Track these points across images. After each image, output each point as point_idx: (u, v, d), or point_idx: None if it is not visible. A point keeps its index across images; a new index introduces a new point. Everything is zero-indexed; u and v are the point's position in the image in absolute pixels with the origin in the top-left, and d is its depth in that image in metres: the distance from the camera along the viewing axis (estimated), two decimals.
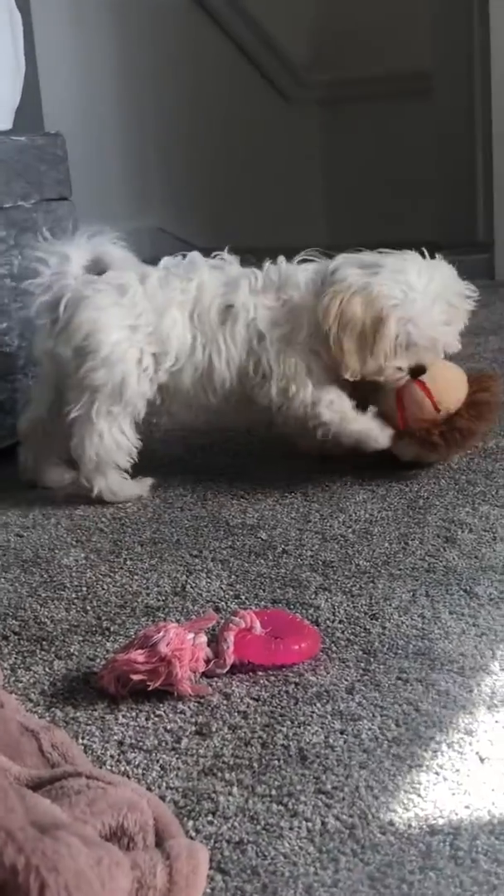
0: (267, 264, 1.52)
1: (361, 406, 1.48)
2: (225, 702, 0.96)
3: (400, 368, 1.45)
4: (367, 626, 1.07)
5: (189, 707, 0.95)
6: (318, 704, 0.94)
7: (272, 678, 0.99)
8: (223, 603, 1.16)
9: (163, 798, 0.82)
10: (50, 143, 1.86)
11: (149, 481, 1.52)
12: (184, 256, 1.53)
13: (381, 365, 1.43)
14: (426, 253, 1.51)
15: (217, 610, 1.14)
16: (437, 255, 1.51)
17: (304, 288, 1.47)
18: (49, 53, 3.42)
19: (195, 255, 1.53)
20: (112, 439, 1.45)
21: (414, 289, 1.42)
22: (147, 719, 0.94)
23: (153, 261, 1.57)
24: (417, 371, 1.46)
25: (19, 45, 1.88)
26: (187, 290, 1.48)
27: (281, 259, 1.52)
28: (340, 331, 1.41)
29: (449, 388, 1.48)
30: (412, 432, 1.46)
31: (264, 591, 1.18)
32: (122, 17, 3.73)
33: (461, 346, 1.53)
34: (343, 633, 1.06)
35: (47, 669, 1.04)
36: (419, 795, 0.80)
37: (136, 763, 0.87)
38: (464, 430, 1.44)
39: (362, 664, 1.00)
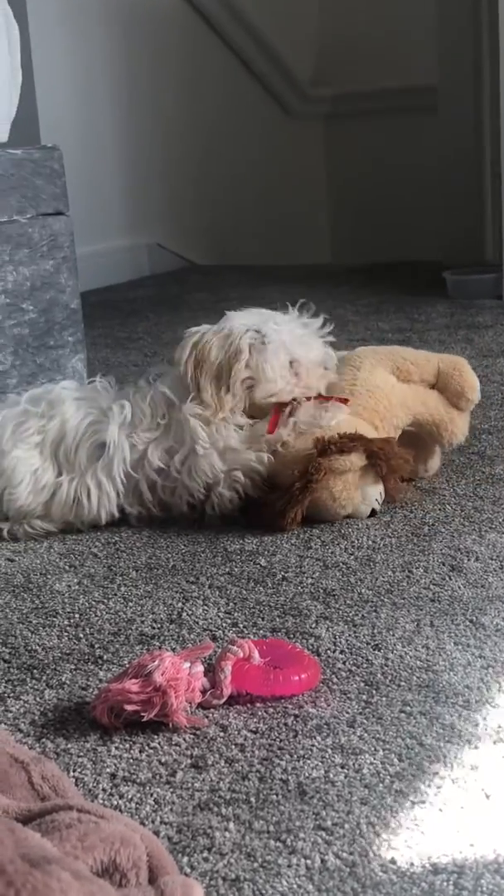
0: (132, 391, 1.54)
1: None
2: (222, 734, 0.95)
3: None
4: (370, 657, 1.07)
5: (184, 739, 0.95)
6: (319, 737, 0.93)
7: (271, 710, 0.98)
8: (220, 631, 1.16)
9: (157, 833, 0.81)
10: (47, 156, 1.87)
11: None
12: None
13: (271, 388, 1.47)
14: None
15: (214, 638, 1.13)
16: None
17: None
18: (46, 65, 3.44)
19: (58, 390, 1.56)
20: None
21: (276, 321, 1.50)
22: (141, 751, 0.93)
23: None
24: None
25: (16, 56, 1.89)
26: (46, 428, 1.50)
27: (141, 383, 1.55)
28: (197, 371, 1.46)
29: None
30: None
31: (263, 619, 1.18)
32: (122, 28, 3.76)
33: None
34: (344, 663, 1.06)
35: (38, 699, 1.04)
36: (422, 833, 0.80)
37: (130, 797, 0.87)
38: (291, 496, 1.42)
39: (364, 696, 1.00)
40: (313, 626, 1.15)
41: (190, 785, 0.88)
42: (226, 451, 1.46)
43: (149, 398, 1.50)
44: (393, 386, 1.52)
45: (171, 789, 0.87)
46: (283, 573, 1.30)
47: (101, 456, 1.47)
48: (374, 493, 1.45)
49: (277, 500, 1.41)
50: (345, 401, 1.47)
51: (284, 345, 1.47)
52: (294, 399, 1.48)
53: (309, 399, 1.48)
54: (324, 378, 1.52)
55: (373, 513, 1.46)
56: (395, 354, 1.58)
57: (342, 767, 0.89)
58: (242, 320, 1.50)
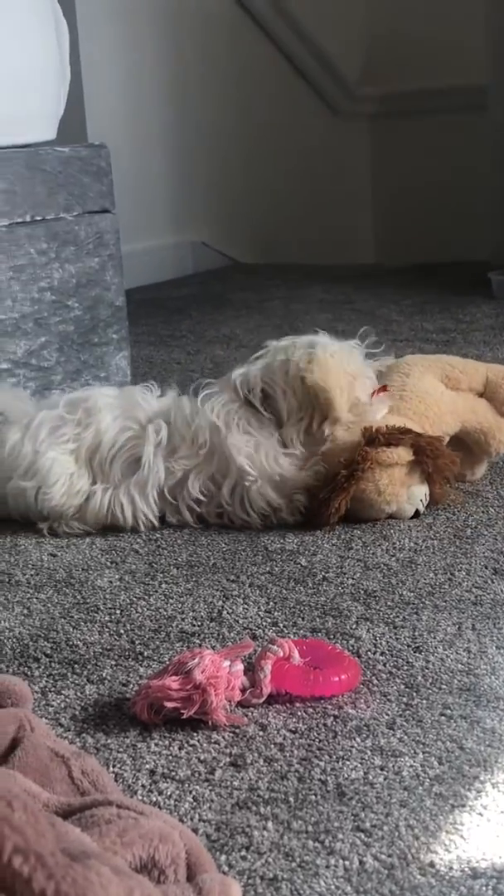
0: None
1: None
2: (261, 733, 0.95)
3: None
4: (410, 660, 1.07)
5: (224, 737, 0.95)
6: (358, 739, 0.93)
7: (310, 710, 0.98)
8: (260, 630, 1.16)
9: (195, 830, 0.82)
10: (94, 154, 1.88)
11: None
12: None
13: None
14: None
15: (254, 637, 1.14)
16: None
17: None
18: (95, 63, 3.46)
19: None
20: None
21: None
22: (180, 748, 0.94)
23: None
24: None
25: (65, 54, 1.90)
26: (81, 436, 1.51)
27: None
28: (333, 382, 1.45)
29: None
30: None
31: (303, 619, 1.18)
32: (170, 26, 3.77)
33: None
34: (385, 665, 1.06)
35: (79, 694, 1.04)
36: (462, 837, 0.79)
37: (169, 793, 0.87)
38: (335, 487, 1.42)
39: (404, 698, 0.99)
40: (354, 627, 1.15)
41: (229, 783, 0.88)
42: (283, 480, 1.45)
43: (194, 425, 1.47)
44: (442, 393, 1.52)
45: (210, 787, 0.88)
46: (323, 573, 1.30)
47: (135, 472, 1.47)
48: (420, 493, 1.44)
49: (321, 489, 1.41)
50: (384, 388, 1.47)
51: (370, 380, 1.49)
52: None
53: None
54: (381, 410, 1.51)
55: (416, 514, 1.45)
56: (443, 362, 1.57)
57: (381, 769, 0.88)
58: (336, 344, 1.50)
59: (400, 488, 1.43)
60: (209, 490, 1.46)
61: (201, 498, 1.46)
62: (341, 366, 1.46)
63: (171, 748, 0.94)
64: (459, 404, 1.53)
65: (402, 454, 1.40)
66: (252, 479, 1.44)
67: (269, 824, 0.82)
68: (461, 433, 1.53)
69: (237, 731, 0.96)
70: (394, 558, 1.34)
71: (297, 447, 1.46)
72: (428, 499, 1.46)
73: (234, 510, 1.46)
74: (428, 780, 0.87)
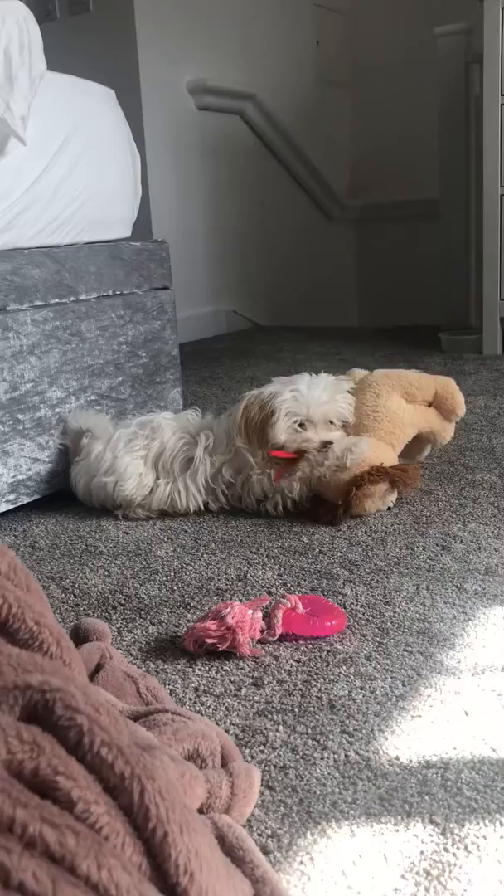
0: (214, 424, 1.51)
1: None
2: (274, 662, 0.96)
3: (307, 440, 1.42)
4: (382, 611, 1.07)
5: (247, 665, 0.96)
6: (344, 667, 0.94)
7: (310, 646, 0.99)
8: (274, 588, 1.16)
9: (227, 731, 0.82)
10: (157, 247, 1.89)
11: None
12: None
13: (277, 438, 1.41)
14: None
15: (269, 593, 1.14)
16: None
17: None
18: (157, 182, 3.49)
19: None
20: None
21: (300, 388, 1.43)
22: (216, 672, 0.94)
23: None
24: (324, 444, 1.43)
25: (137, 176, 1.91)
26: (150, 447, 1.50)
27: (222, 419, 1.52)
28: (246, 424, 1.42)
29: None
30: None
31: (305, 581, 1.18)
32: (211, 154, 3.80)
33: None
34: (363, 615, 1.06)
35: (144, 633, 1.05)
36: (418, 738, 0.79)
37: (208, 705, 0.88)
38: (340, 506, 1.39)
39: (378, 639, 1.00)
40: (341, 587, 1.15)
41: (251, 698, 0.89)
42: (270, 480, 1.44)
43: (222, 430, 1.49)
44: (404, 409, 1.49)
45: (238, 700, 0.88)
46: (319, 548, 1.30)
47: (189, 467, 1.48)
48: (391, 497, 1.44)
49: (326, 513, 1.40)
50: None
51: (291, 409, 1.42)
52: (303, 453, 1.42)
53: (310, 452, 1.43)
54: (330, 430, 1.45)
55: (388, 508, 1.45)
56: (403, 380, 1.53)
57: (361, 689, 0.89)
58: (272, 388, 1.45)
59: (379, 502, 1.42)
60: (234, 478, 1.47)
61: (231, 481, 1.47)
62: (254, 411, 1.42)
63: (210, 672, 0.94)
64: (416, 417, 1.51)
65: (381, 486, 1.39)
66: (256, 472, 1.44)
67: (280, 728, 0.83)
68: (417, 435, 1.53)
69: (257, 660, 0.96)
70: (370, 537, 1.33)
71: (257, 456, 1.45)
72: (396, 499, 1.45)
73: (242, 495, 1.47)
74: (394, 697, 0.87)
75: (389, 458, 1.42)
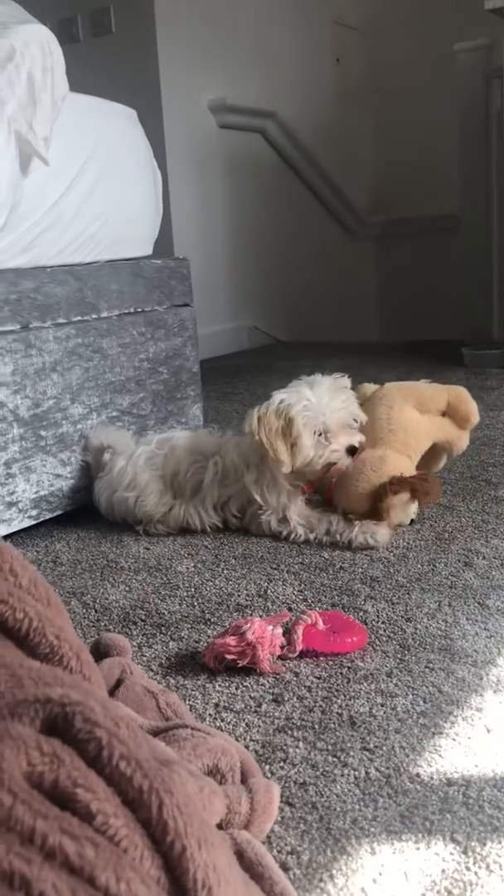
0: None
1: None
2: (294, 678, 0.96)
3: (335, 451, 1.40)
4: (403, 627, 1.07)
5: (268, 681, 0.96)
6: (365, 683, 0.93)
7: (330, 662, 0.99)
8: (294, 604, 1.16)
9: (247, 747, 0.82)
10: (179, 265, 1.91)
11: None
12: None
13: (307, 454, 1.38)
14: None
15: (290, 609, 1.14)
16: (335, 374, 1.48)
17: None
18: (179, 200, 3.52)
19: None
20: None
21: (308, 397, 1.40)
22: (236, 688, 0.94)
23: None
24: (351, 450, 1.42)
25: (159, 195, 1.94)
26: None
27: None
28: (268, 435, 1.38)
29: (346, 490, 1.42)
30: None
31: (326, 597, 1.18)
32: (232, 171, 3.83)
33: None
34: (384, 631, 1.06)
35: (164, 648, 1.06)
36: (440, 755, 0.79)
37: (228, 720, 0.88)
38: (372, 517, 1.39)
39: (399, 655, 0.99)
40: (362, 603, 1.15)
41: (271, 714, 0.89)
42: (284, 516, 1.42)
43: (229, 461, 1.47)
44: (419, 422, 1.48)
45: (258, 717, 0.88)
46: (340, 564, 1.30)
47: (199, 492, 1.48)
48: (412, 509, 1.43)
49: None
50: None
51: (308, 418, 1.38)
52: (331, 464, 1.41)
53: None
54: (351, 435, 1.42)
55: (411, 522, 1.44)
56: (415, 391, 1.52)
57: (382, 706, 0.88)
58: (280, 397, 1.41)
59: (402, 513, 1.41)
60: (241, 512, 1.47)
61: (238, 514, 1.47)
62: (272, 421, 1.37)
63: (230, 688, 0.94)
64: (431, 427, 1.50)
65: (404, 495, 1.38)
66: (263, 511, 1.43)
67: (300, 744, 0.83)
68: (433, 446, 1.51)
69: (277, 676, 0.96)
70: (392, 553, 1.33)
71: (283, 479, 1.42)
72: (417, 510, 1.45)
73: (250, 527, 1.47)
74: (416, 714, 0.86)
75: (407, 468, 1.42)
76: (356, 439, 1.43)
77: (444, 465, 1.62)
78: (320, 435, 1.40)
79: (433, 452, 1.54)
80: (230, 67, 3.73)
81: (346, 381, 1.47)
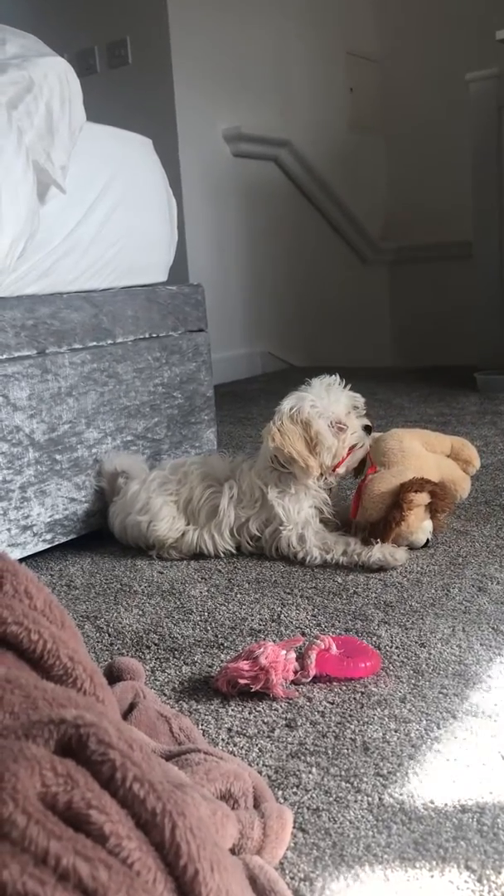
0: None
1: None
2: (308, 703, 0.95)
3: (353, 433, 1.44)
4: (417, 652, 1.06)
5: (281, 706, 0.95)
6: (379, 709, 0.93)
7: (344, 688, 0.98)
8: (308, 629, 1.16)
9: (260, 772, 0.82)
10: (193, 291, 1.93)
11: None
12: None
13: (331, 445, 1.41)
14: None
15: (303, 634, 1.14)
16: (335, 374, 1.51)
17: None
18: (193, 228, 3.56)
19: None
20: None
21: (310, 397, 1.44)
22: (250, 713, 0.94)
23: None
24: (367, 428, 1.46)
25: (174, 222, 1.96)
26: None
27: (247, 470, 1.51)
28: (294, 446, 1.40)
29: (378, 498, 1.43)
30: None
31: (339, 621, 1.18)
32: (246, 200, 3.87)
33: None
34: (398, 656, 1.06)
35: (177, 672, 1.06)
36: (453, 782, 0.79)
37: (241, 745, 0.88)
38: (388, 523, 1.40)
39: (413, 680, 0.99)
40: (376, 628, 1.15)
41: (284, 739, 0.88)
42: (303, 535, 1.43)
43: (245, 483, 1.48)
44: (428, 456, 1.51)
45: (271, 742, 0.88)
46: (354, 588, 1.30)
47: (215, 516, 1.49)
48: (429, 527, 1.44)
49: (376, 527, 1.41)
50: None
51: (320, 413, 1.42)
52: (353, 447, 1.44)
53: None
54: (358, 417, 1.46)
55: (426, 544, 1.44)
56: (421, 433, 1.56)
57: (395, 731, 0.88)
58: (287, 405, 1.45)
59: (419, 522, 1.42)
60: (261, 531, 1.47)
61: (257, 534, 1.48)
62: (291, 429, 1.41)
63: (243, 713, 0.94)
64: (441, 463, 1.52)
65: (425, 497, 1.40)
66: (287, 526, 1.44)
67: (314, 770, 0.82)
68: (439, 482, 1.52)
69: (291, 701, 0.96)
70: (406, 578, 1.33)
71: (311, 487, 1.44)
72: (432, 529, 1.45)
73: (268, 547, 1.47)
74: (429, 739, 0.86)
75: (429, 475, 1.44)
76: (366, 420, 1.47)
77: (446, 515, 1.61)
78: (334, 425, 1.44)
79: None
80: (244, 97, 3.78)
81: (330, 379, 1.50)
